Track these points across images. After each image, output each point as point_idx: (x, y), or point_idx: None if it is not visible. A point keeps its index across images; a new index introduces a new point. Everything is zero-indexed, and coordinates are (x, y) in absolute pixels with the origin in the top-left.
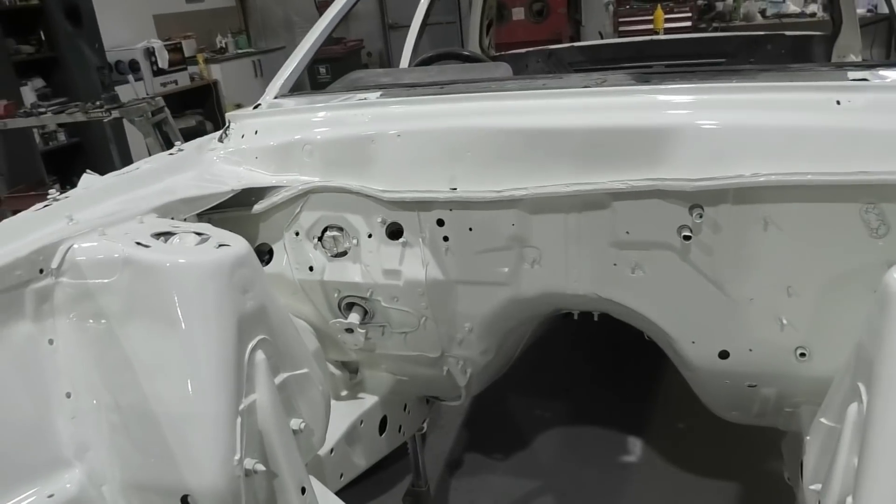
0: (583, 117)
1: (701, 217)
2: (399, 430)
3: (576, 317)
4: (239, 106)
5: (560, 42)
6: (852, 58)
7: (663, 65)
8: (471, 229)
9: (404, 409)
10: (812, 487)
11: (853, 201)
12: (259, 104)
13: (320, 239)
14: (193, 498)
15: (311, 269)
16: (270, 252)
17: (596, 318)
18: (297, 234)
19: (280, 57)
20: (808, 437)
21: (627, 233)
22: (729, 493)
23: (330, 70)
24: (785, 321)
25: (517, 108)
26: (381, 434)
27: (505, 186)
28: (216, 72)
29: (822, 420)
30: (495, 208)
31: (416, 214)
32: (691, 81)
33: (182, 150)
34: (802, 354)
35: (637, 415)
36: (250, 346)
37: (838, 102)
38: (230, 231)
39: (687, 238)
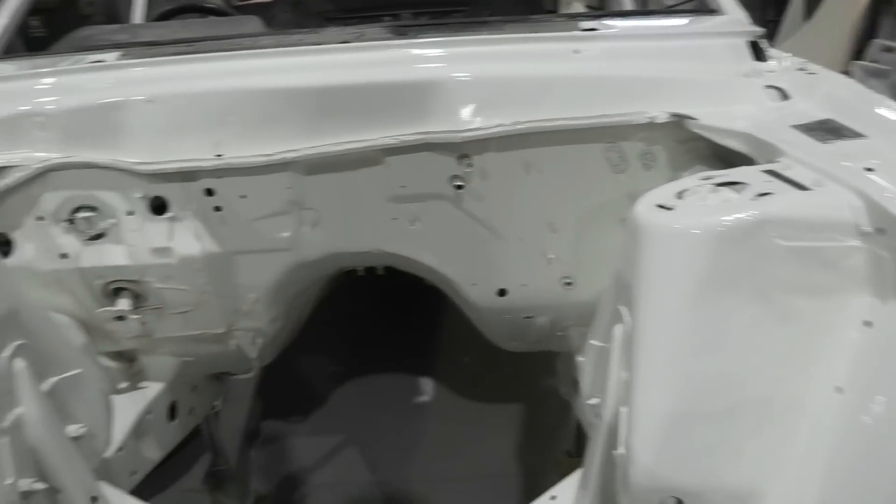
0: (346, 74)
1: (470, 166)
2: (191, 413)
3: (361, 273)
4: None
5: None
6: (577, 4)
7: (412, 13)
8: (244, 196)
9: (194, 390)
10: (590, 402)
11: (597, 142)
12: None
13: (71, 221)
14: None
15: (64, 256)
16: (8, 243)
17: (381, 272)
18: (40, 218)
19: None
20: (581, 358)
21: (403, 187)
22: (515, 414)
23: (45, 23)
24: (551, 255)
25: (278, 66)
26: (172, 421)
27: (275, 149)
28: None
29: (593, 342)
30: (267, 173)
31: (181, 186)
32: (446, 34)
33: None
34: (568, 283)
35: (424, 356)
36: (6, 354)
37: (576, 52)
38: None
39: (459, 187)
